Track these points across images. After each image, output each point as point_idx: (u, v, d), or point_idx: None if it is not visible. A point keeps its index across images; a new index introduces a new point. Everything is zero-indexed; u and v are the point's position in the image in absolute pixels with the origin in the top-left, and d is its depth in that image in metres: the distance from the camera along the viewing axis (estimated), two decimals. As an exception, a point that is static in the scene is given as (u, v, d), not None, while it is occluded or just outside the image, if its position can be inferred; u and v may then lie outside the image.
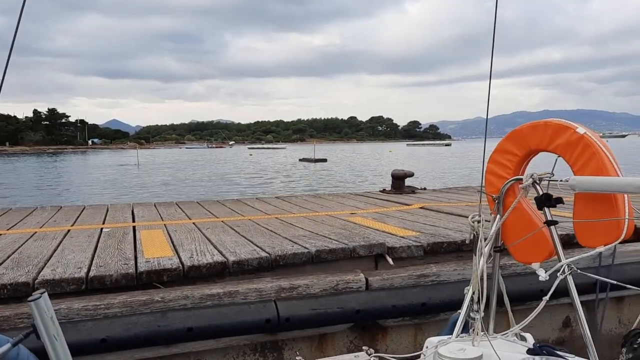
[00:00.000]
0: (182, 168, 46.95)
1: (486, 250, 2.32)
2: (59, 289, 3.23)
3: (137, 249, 4.07)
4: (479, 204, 2.44)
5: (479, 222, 2.35)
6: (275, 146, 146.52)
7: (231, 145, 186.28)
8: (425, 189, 8.91)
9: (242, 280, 3.62)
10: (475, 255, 2.22)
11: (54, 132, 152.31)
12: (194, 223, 5.42)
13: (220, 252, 3.86)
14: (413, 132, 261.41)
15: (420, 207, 6.43)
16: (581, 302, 2.10)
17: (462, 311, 2.28)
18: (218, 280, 3.62)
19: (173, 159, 70.60)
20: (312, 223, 5.23)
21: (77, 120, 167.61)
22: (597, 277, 2.62)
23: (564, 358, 1.96)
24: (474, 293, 2.21)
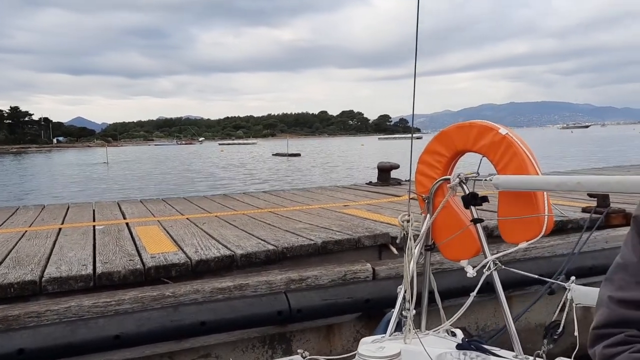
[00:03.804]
0: (154, 165, 46.29)
1: (417, 249, 2.36)
2: (67, 287, 3.16)
3: (137, 245, 4.01)
4: (408, 204, 2.46)
5: (408, 221, 2.36)
6: (246, 142, 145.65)
7: (201, 141, 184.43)
8: (410, 180, 8.99)
9: (250, 273, 3.61)
10: (406, 254, 2.25)
11: (16, 131, 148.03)
12: (187, 218, 5.36)
13: (226, 246, 3.84)
14: (384, 126, 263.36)
15: (411, 198, 6.49)
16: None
17: (395, 310, 2.31)
18: (225, 274, 3.60)
19: (143, 157, 69.52)
20: (308, 216, 5.23)
21: (40, 118, 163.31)
22: (521, 272, 2.69)
23: (489, 351, 2.03)
24: (405, 292, 2.24)
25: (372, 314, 3.78)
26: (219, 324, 3.20)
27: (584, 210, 5.01)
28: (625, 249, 1.17)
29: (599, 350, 1.13)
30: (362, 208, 5.72)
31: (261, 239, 4.04)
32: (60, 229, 4.91)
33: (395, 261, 3.89)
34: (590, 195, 4.96)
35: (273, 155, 56.29)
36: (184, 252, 3.68)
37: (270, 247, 3.76)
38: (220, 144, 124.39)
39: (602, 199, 4.80)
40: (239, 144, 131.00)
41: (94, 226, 5.00)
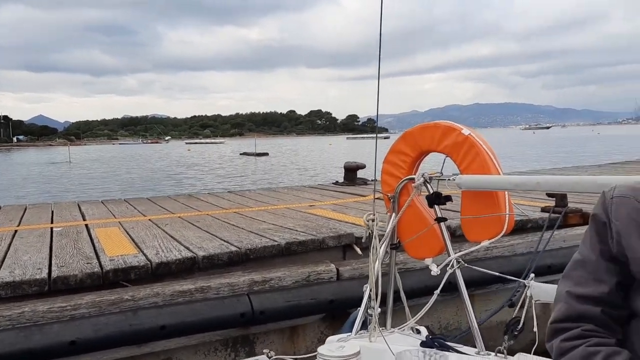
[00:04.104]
0: (118, 165, 45.34)
1: (383, 247, 2.38)
2: (20, 291, 3.05)
3: (96, 248, 3.90)
4: (373, 203, 2.47)
5: (373, 220, 2.38)
6: (214, 141, 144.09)
7: (167, 140, 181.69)
8: (375, 180, 9.05)
9: (212, 275, 3.56)
10: (371, 253, 2.27)
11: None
12: (150, 220, 5.26)
13: (187, 248, 3.78)
14: (352, 126, 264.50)
15: (377, 198, 6.53)
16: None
17: (361, 308, 2.32)
18: (187, 276, 3.54)
19: (107, 156, 68.03)
20: (273, 216, 5.20)
21: (0, 116, 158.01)
22: (483, 269, 2.75)
23: (452, 348, 2.08)
24: (371, 290, 2.27)
25: (336, 314, 3.78)
26: (179, 328, 3.14)
27: (543, 210, 5.12)
28: (583, 246, 1.21)
29: (557, 344, 1.17)
30: (327, 208, 5.72)
31: (224, 240, 3.99)
32: (16, 231, 4.75)
33: (359, 261, 3.90)
34: (549, 195, 5.08)
35: (241, 154, 55.86)
36: (144, 255, 3.60)
37: (233, 249, 3.71)
38: (187, 143, 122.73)
39: (560, 199, 4.93)
40: (207, 143, 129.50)
41: (51, 228, 4.85)
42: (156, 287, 3.27)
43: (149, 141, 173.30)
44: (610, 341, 1.12)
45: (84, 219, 5.43)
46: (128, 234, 4.45)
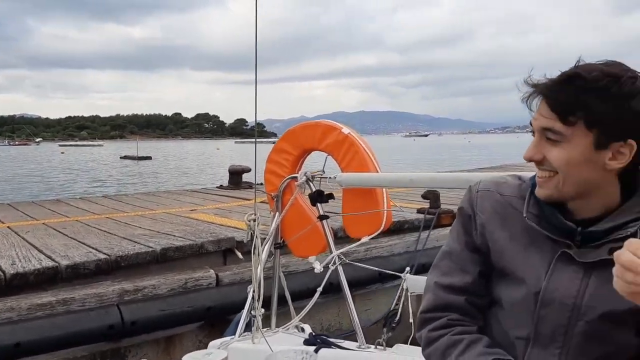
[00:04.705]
0: (-23, 168, 40.85)
1: (266, 247, 2.39)
2: None
3: (-62, 260, 3.43)
4: (255, 203, 2.45)
5: (255, 220, 2.39)
6: (91, 143, 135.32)
7: (38, 142, 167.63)
8: (262, 184, 8.98)
9: (77, 286, 3.27)
10: (253, 253, 2.28)
11: None
12: (8, 227, 4.75)
13: (49, 257, 3.45)
14: (240, 130, 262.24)
15: (261, 202, 6.46)
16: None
17: (244, 310, 2.31)
18: (49, 287, 3.22)
19: (-35, 158, 61.10)
20: (151, 221, 4.93)
21: None
22: (365, 265, 2.87)
23: (334, 344, 2.13)
24: (254, 291, 2.27)
25: (215, 321, 3.66)
26: (37, 344, 2.85)
27: (419, 211, 5.37)
28: (450, 238, 1.25)
29: (425, 334, 1.20)
30: (210, 212, 5.55)
31: (92, 248, 3.70)
32: None
33: (240, 266, 3.81)
34: (424, 197, 5.35)
35: (121, 158, 52.87)
36: (-3, 265, 3.22)
37: (102, 256, 3.45)
38: (60, 145, 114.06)
39: (434, 201, 5.20)
40: (83, 145, 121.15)
41: None
42: (10, 301, 2.94)
43: (17, 143, 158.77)
44: (472, 329, 1.17)
45: None
46: (-20, 243, 3.97)
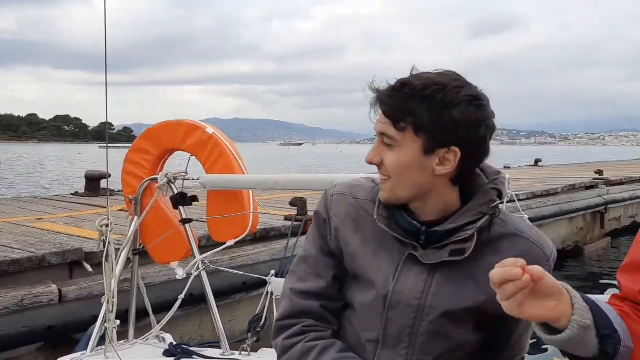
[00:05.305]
0: None
1: (124, 253, 2.27)
2: None
3: None
4: (108, 208, 2.32)
5: (107, 225, 2.24)
6: None
7: None
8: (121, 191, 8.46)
9: None
10: (106, 260, 2.16)
11: None
12: None
13: None
14: (105, 134, 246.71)
15: (120, 209, 6.05)
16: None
17: (98, 322, 2.18)
18: None
19: None
20: (-15, 232, 4.37)
21: None
22: (230, 270, 2.86)
23: (195, 353, 2.10)
24: (108, 301, 2.16)
25: (58, 342, 3.32)
26: None
27: (286, 218, 5.37)
28: (307, 242, 1.25)
29: (280, 342, 1.19)
30: (58, 221, 5.09)
31: None
32: None
33: (89, 279, 3.51)
34: (292, 204, 5.36)
35: (-38, 162, 46.95)
36: None
37: None
38: None
39: (301, 208, 5.22)
40: None
41: None
42: None
43: None
44: (326, 334, 1.17)
45: None
46: None
